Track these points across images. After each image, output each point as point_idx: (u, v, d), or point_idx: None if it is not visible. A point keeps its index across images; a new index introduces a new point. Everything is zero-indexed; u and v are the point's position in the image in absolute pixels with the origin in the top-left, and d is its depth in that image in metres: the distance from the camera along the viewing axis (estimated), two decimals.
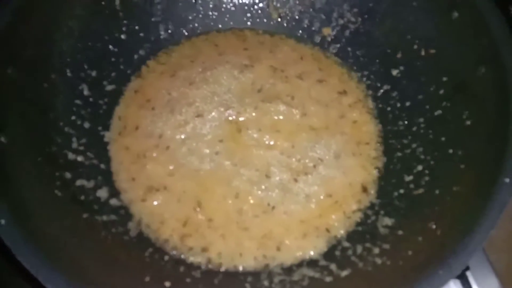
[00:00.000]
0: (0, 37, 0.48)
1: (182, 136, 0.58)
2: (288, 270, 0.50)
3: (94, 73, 0.59)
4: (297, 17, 0.69)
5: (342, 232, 0.53)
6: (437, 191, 0.49)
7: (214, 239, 0.52)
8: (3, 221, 0.39)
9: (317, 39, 0.68)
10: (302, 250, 0.52)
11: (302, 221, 0.53)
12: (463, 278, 0.52)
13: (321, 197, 0.55)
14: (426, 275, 0.38)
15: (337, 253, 0.51)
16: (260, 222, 0.53)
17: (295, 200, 0.54)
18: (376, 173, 0.57)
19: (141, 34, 0.64)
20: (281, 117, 0.60)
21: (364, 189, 0.56)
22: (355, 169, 0.57)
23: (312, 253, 0.51)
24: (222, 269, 0.50)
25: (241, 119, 0.59)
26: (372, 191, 0.56)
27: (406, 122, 0.58)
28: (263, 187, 0.55)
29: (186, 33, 0.68)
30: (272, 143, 0.58)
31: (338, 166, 0.57)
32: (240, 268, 0.50)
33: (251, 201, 0.54)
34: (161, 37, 0.66)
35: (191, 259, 0.51)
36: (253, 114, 0.59)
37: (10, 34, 0.49)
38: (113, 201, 0.53)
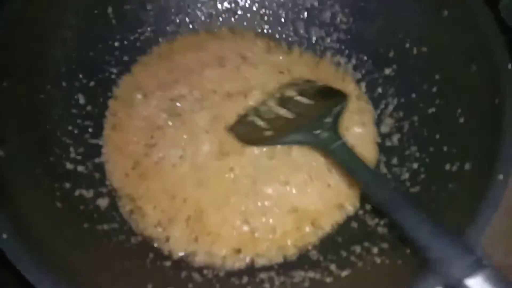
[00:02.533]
0: None
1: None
2: (287, 271, 0.50)
3: (89, 82, 0.59)
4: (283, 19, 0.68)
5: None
6: (433, 188, 0.50)
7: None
8: (4, 235, 0.39)
9: (308, 42, 0.68)
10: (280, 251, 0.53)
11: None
12: None
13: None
14: (425, 274, 0.39)
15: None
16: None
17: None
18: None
19: (136, 43, 0.64)
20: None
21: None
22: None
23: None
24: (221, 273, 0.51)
25: None
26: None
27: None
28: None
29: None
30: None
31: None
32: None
33: None
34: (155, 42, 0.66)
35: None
36: None
37: (4, 46, 0.49)
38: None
